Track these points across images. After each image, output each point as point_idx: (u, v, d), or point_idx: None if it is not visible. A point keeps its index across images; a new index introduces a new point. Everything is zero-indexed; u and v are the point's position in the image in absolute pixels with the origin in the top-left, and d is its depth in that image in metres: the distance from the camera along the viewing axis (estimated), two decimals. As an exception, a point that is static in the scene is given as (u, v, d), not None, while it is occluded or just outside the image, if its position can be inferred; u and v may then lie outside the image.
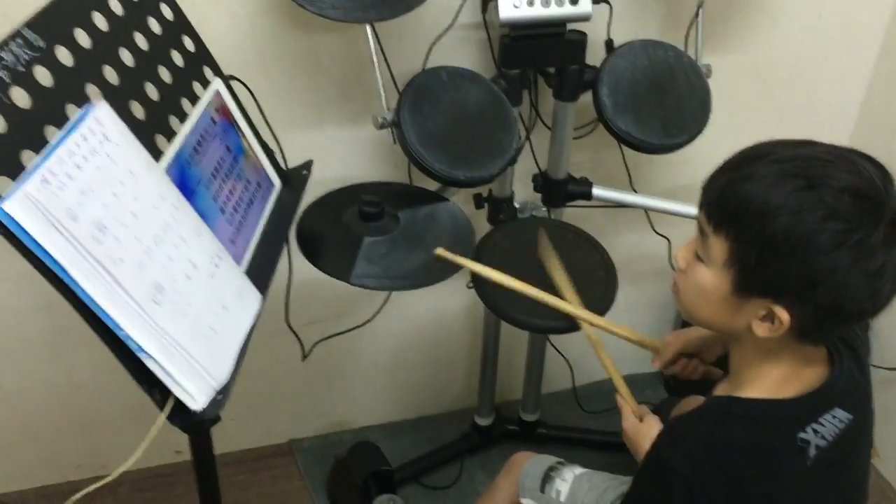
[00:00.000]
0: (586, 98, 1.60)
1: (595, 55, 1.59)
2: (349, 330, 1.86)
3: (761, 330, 0.96)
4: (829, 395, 1.00)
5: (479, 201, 1.70)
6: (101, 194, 0.89)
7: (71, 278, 0.85)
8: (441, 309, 2.01)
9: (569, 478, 1.41)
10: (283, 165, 1.36)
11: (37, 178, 0.82)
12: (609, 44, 1.60)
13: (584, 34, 1.54)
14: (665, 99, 1.56)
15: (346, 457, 1.85)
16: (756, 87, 1.90)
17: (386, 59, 1.51)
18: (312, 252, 1.27)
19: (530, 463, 1.47)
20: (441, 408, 2.20)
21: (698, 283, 1.01)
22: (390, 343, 2.02)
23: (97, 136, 0.91)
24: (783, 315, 0.93)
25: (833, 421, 1.00)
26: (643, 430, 1.21)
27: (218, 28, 1.46)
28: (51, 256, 0.83)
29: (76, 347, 1.79)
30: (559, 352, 2.08)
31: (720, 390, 1.10)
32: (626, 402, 1.28)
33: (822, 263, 0.88)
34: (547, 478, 1.43)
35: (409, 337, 2.03)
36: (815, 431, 0.99)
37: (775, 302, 0.93)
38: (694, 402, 1.54)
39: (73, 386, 1.85)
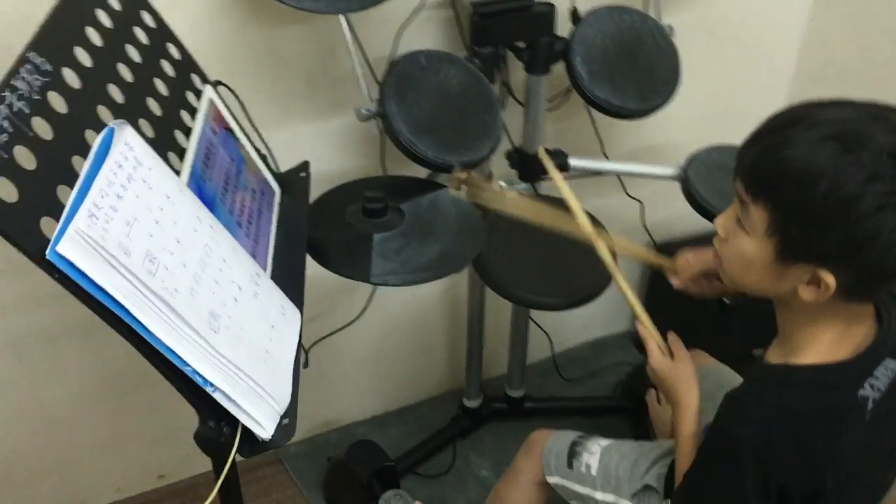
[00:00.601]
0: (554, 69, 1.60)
1: (560, 26, 1.58)
2: (341, 329, 1.81)
3: (807, 294, 0.96)
4: (881, 348, 1.02)
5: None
6: (144, 223, 0.83)
7: (132, 317, 0.79)
8: (418, 296, 1.98)
9: (596, 450, 1.41)
10: (275, 169, 1.31)
11: (84, 214, 0.76)
12: (574, 13, 1.59)
13: (551, 5, 1.53)
14: (637, 63, 1.57)
15: (345, 457, 1.81)
16: (705, 43, 1.92)
17: (361, 48, 1.47)
18: (323, 256, 1.23)
19: (552, 440, 1.46)
20: (424, 394, 2.18)
21: (741, 251, 1.00)
22: (372, 336, 1.98)
23: (130, 162, 0.84)
24: (829, 279, 0.93)
25: (885, 372, 1.02)
26: (677, 371, 1.21)
27: (177, 30, 1.37)
28: (110, 297, 0.77)
29: (46, 382, 1.69)
30: (537, 324, 2.09)
31: (773, 356, 1.09)
32: (651, 335, 1.26)
33: (866, 227, 0.88)
34: (573, 453, 1.42)
35: (388, 328, 1.99)
36: (872, 386, 1.01)
37: (820, 267, 0.93)
38: (697, 357, 1.57)
39: (46, 421, 1.74)
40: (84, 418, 1.77)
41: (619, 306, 2.35)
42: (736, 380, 1.49)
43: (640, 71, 1.57)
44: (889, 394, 1.02)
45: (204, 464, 2.01)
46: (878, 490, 1.13)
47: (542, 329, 2.12)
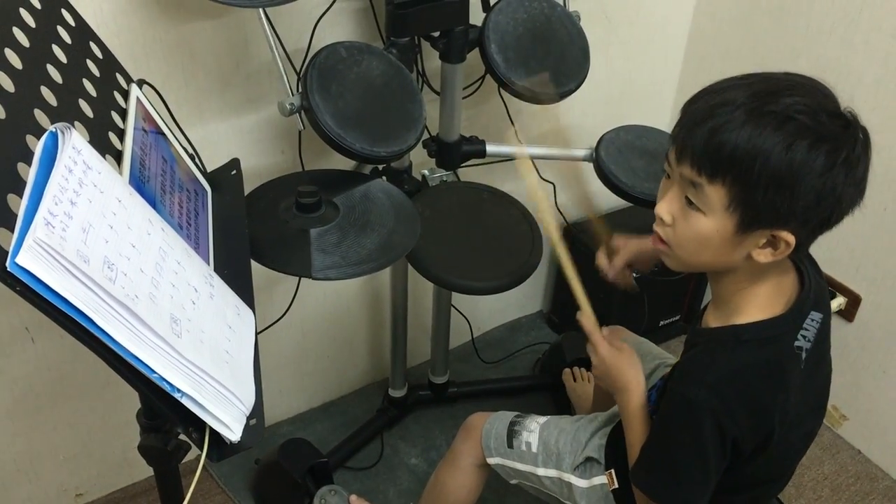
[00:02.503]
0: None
1: (472, 14, 1.59)
2: (265, 329, 1.78)
3: (763, 256, 1.02)
4: (806, 302, 1.09)
5: (375, 174, 1.67)
6: (99, 229, 0.80)
7: (97, 327, 0.76)
8: (338, 290, 1.97)
9: (534, 428, 1.44)
10: (203, 168, 1.27)
11: (40, 222, 0.73)
12: (485, 1, 1.61)
13: (466, -6, 1.54)
14: (549, 49, 1.60)
15: (277, 457, 1.78)
16: (604, 27, 1.98)
17: (281, 42, 1.44)
18: (260, 254, 1.21)
19: (490, 422, 1.49)
20: (347, 388, 2.18)
21: (696, 232, 1.03)
22: (293, 334, 1.95)
23: (80, 166, 0.81)
24: (789, 238, 0.99)
25: (812, 324, 1.10)
26: (624, 359, 1.25)
27: (84, 29, 1.33)
28: (72, 307, 0.74)
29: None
30: (457, 310, 2.11)
31: (713, 321, 1.14)
32: (595, 328, 1.30)
33: (823, 184, 0.94)
34: (512, 433, 1.45)
35: (309, 325, 1.97)
36: (804, 337, 1.08)
37: (781, 228, 0.99)
38: (617, 332, 1.62)
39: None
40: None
41: (531, 288, 2.40)
42: (654, 349, 1.56)
43: (552, 56, 1.60)
44: (816, 344, 1.10)
45: (122, 479, 1.96)
46: (810, 437, 1.21)
47: (462, 314, 2.15)
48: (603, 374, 1.28)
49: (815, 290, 1.11)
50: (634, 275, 2.07)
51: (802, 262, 1.13)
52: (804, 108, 0.94)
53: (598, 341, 1.28)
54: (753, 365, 1.06)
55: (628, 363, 1.25)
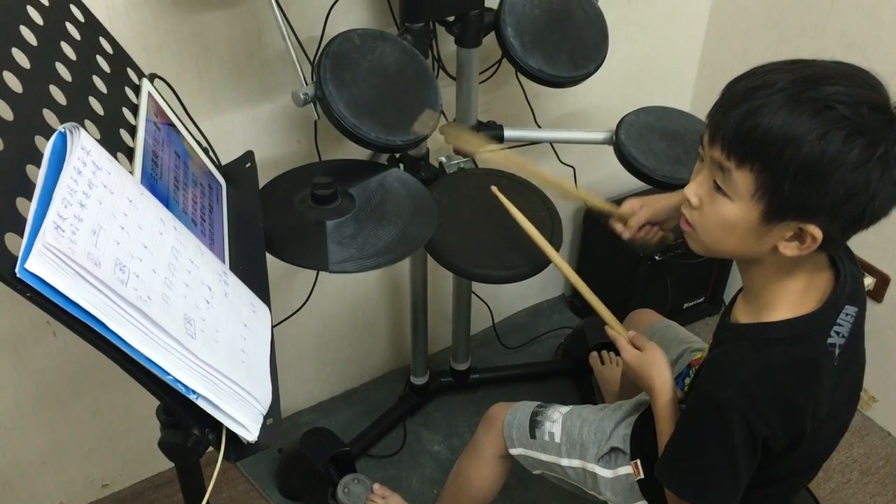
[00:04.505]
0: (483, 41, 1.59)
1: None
2: (285, 319, 1.78)
3: (789, 250, 0.98)
4: (841, 296, 1.06)
5: (392, 162, 1.65)
6: (110, 231, 0.79)
7: (109, 331, 0.75)
8: (358, 278, 1.96)
9: (557, 418, 1.42)
10: (217, 162, 1.26)
11: (49, 226, 0.72)
12: (500, -17, 1.58)
13: (480, -22, 1.52)
14: (566, 31, 1.57)
15: (299, 447, 1.78)
16: (622, 7, 1.95)
17: (293, 30, 1.42)
18: (276, 247, 1.20)
19: (512, 413, 1.47)
20: (368, 376, 2.17)
21: (722, 217, 1.00)
22: (313, 323, 1.95)
23: (89, 167, 0.80)
24: (816, 232, 0.95)
25: (847, 318, 1.06)
26: (648, 358, 1.25)
27: (96, 23, 1.32)
28: (84, 311, 0.73)
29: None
30: (478, 296, 2.09)
31: (743, 316, 1.11)
32: (619, 334, 1.30)
33: (855, 179, 0.90)
34: (534, 423, 1.43)
35: (330, 314, 1.97)
36: (837, 332, 1.05)
37: (807, 222, 0.95)
38: (645, 315, 1.61)
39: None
40: (20, 434, 1.70)
41: (553, 272, 2.36)
42: (680, 333, 1.54)
43: (570, 38, 1.57)
44: (850, 339, 1.06)
45: (147, 469, 1.97)
46: (842, 430, 1.18)
47: (483, 300, 2.13)
48: (633, 378, 1.29)
49: (851, 282, 1.07)
50: (657, 257, 2.07)
51: (837, 254, 1.09)
52: (846, 99, 0.90)
53: (623, 347, 1.29)
54: (784, 364, 1.03)
55: (649, 363, 1.24)
